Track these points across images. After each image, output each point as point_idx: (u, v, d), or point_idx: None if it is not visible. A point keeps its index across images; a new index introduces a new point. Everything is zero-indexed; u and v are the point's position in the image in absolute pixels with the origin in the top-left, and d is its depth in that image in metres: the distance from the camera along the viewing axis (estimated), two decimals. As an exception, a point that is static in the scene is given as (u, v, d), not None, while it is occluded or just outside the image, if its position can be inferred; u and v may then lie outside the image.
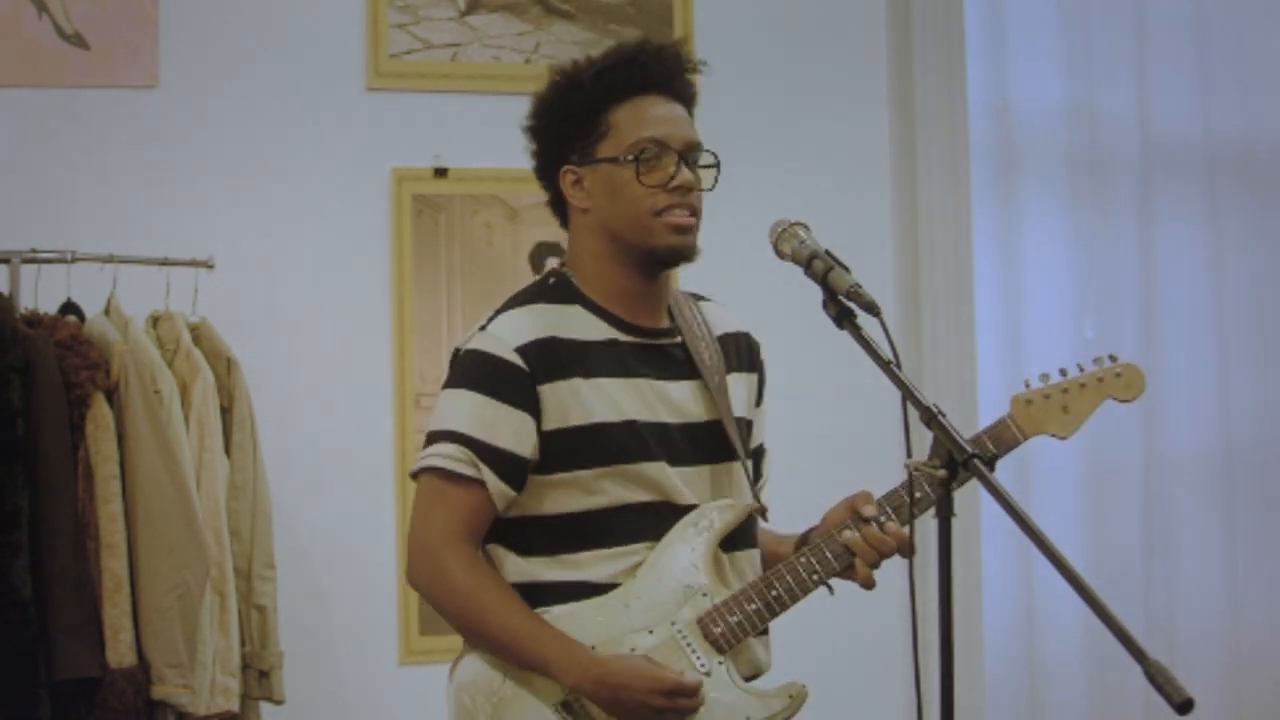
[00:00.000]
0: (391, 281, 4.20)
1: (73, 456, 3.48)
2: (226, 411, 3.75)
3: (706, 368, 2.53)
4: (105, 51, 4.02)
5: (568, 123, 2.50)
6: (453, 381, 2.49)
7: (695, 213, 2.49)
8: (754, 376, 2.65)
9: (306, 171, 4.17)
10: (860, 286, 2.23)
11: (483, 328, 2.50)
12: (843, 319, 2.24)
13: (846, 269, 2.27)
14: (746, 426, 2.60)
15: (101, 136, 4.03)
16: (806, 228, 2.35)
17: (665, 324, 2.55)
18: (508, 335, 2.45)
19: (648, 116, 2.47)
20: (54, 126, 4.01)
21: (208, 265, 3.86)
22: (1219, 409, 4.84)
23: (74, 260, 3.72)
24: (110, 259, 3.75)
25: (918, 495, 2.41)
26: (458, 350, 2.52)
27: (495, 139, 4.27)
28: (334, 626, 4.13)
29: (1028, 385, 2.54)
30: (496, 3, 4.32)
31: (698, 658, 2.42)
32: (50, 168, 4.00)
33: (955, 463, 2.01)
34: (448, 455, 2.43)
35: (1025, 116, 4.75)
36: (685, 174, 2.46)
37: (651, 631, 2.42)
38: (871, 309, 2.20)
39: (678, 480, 2.47)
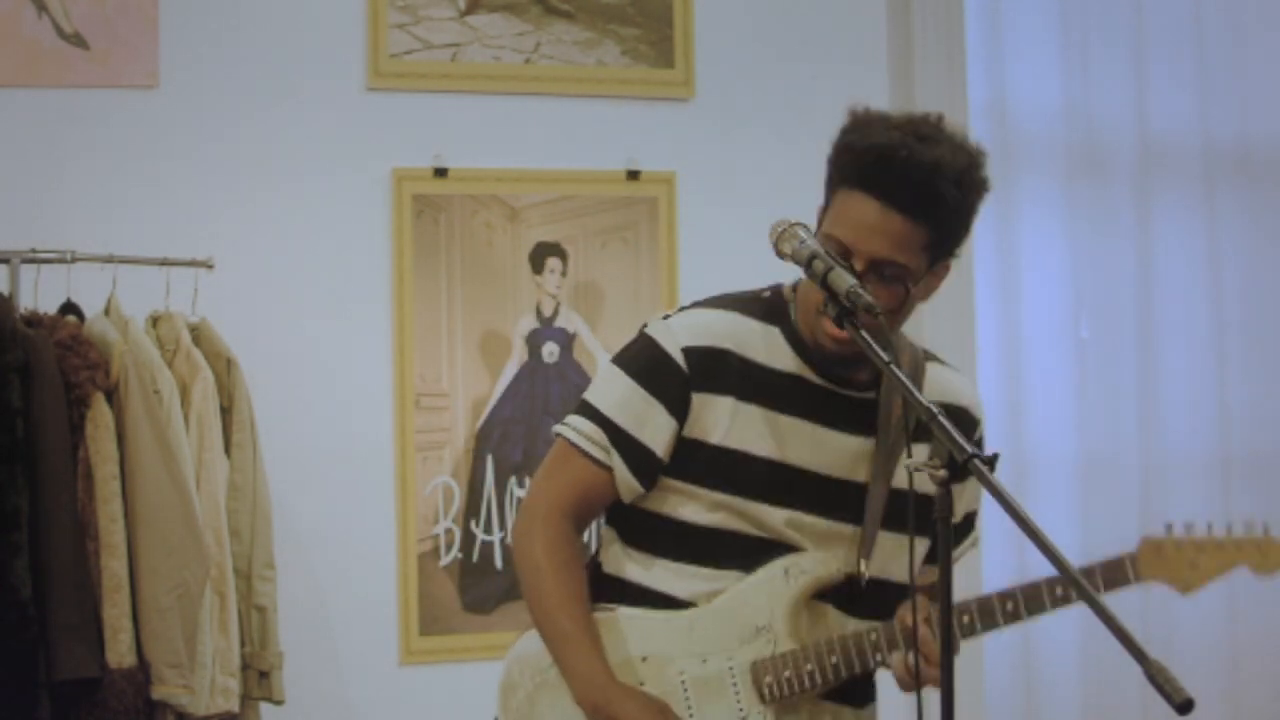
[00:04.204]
0: (391, 281, 4.20)
1: (73, 456, 3.48)
2: (226, 411, 3.75)
3: (891, 431, 2.41)
4: (105, 51, 4.02)
5: (828, 168, 2.39)
6: (619, 359, 2.46)
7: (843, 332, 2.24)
8: None
9: (306, 172, 4.17)
10: (860, 287, 2.18)
11: (668, 315, 2.45)
12: (843, 319, 2.20)
13: (846, 269, 2.26)
14: (920, 500, 2.29)
15: (101, 136, 4.03)
16: (807, 227, 2.30)
17: (863, 376, 2.42)
18: (682, 332, 2.41)
19: (847, 216, 2.32)
20: (54, 126, 4.01)
21: (207, 265, 3.86)
22: (1216, 408, 4.84)
23: (74, 260, 3.72)
24: (110, 259, 3.75)
25: (965, 620, 2.38)
26: (644, 325, 2.47)
27: (495, 139, 4.29)
28: (334, 626, 4.13)
29: (1170, 529, 2.44)
30: (496, 3, 4.32)
31: (739, 701, 2.39)
32: (50, 168, 4.00)
33: (955, 463, 2.00)
34: (582, 432, 2.41)
35: (1024, 116, 4.75)
36: None
37: (705, 661, 2.39)
38: (871, 309, 2.15)
39: (793, 526, 2.39)
